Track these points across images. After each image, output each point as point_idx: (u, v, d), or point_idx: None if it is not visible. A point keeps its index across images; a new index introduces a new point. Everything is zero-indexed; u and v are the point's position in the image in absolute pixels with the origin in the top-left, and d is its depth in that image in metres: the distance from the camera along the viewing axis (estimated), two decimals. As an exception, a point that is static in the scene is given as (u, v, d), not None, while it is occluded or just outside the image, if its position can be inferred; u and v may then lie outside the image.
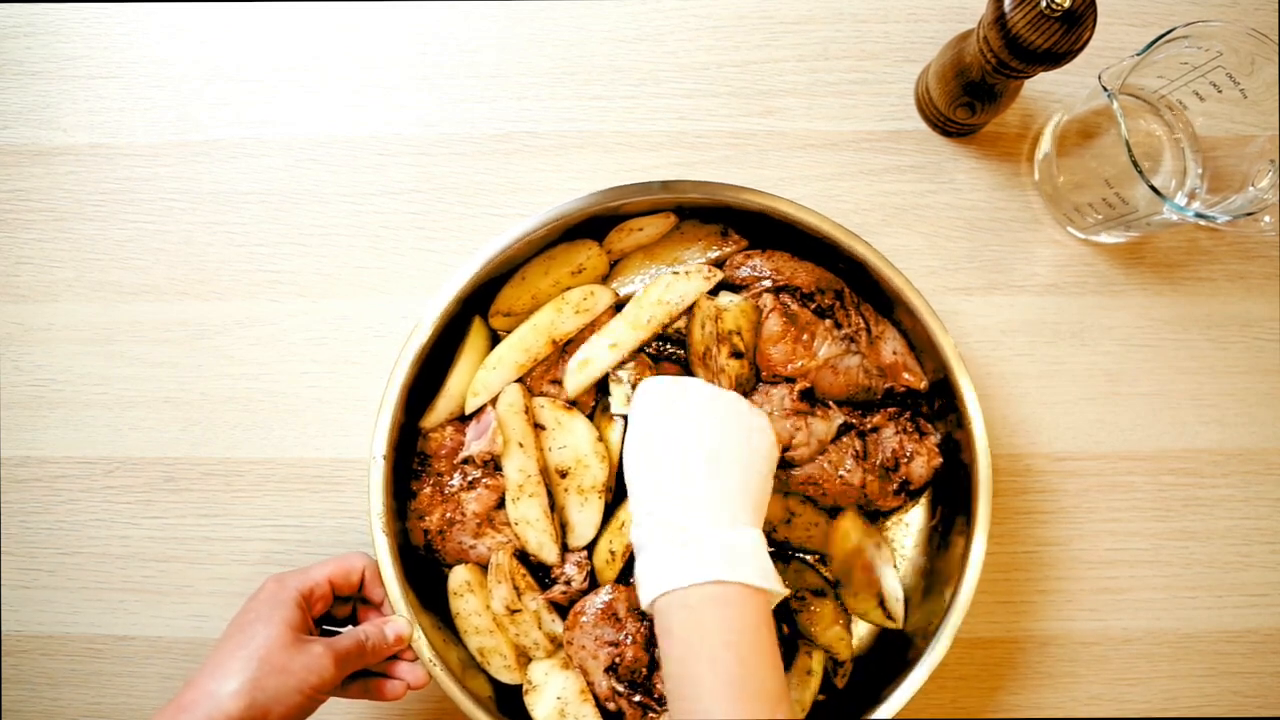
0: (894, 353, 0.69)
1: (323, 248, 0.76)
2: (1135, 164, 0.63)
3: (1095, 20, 0.61)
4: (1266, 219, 0.65)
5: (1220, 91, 0.68)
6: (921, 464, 0.68)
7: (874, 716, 0.62)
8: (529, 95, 0.77)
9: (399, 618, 0.62)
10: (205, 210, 0.76)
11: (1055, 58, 0.61)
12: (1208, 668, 0.73)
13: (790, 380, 0.68)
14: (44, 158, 0.77)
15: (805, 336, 0.68)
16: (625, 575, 0.68)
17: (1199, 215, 0.64)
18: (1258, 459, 0.75)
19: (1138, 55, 0.64)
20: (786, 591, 0.56)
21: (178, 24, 0.78)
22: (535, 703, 0.65)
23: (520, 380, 0.68)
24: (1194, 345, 0.76)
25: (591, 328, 0.69)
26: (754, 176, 0.76)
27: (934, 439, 0.69)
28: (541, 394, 0.68)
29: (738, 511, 0.56)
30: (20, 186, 0.77)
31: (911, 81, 0.77)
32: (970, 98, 0.70)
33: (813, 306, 0.69)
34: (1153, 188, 0.63)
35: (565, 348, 0.69)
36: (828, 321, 0.69)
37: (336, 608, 0.63)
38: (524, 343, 0.67)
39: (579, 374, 0.67)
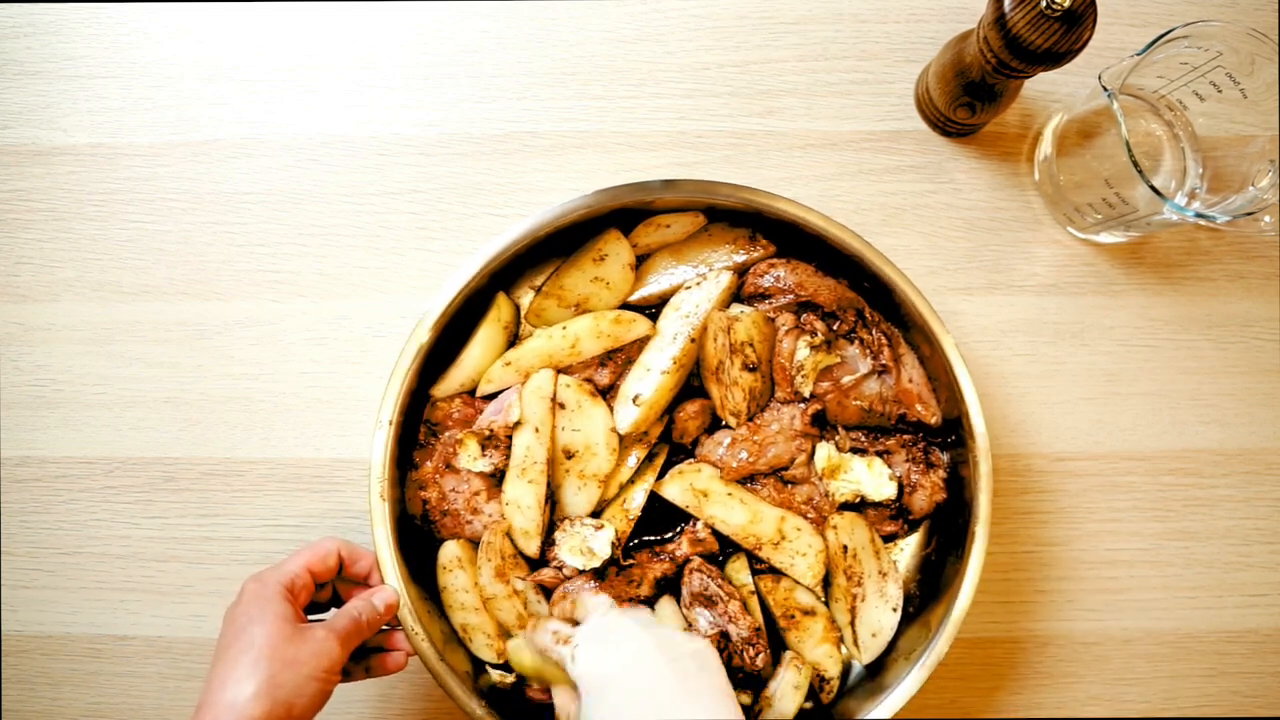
0: (910, 381, 0.69)
1: (323, 248, 0.76)
2: (1135, 164, 0.63)
3: (1095, 20, 0.61)
4: (1266, 219, 0.65)
5: (1220, 91, 0.68)
6: (924, 497, 0.68)
7: (873, 716, 0.63)
8: (529, 95, 0.77)
9: (385, 587, 0.62)
10: (205, 210, 0.76)
11: (1055, 58, 0.61)
12: (1208, 668, 0.73)
13: (804, 400, 0.68)
14: (44, 158, 0.77)
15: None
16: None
17: (1199, 215, 0.64)
18: (1258, 459, 0.75)
19: (1138, 55, 0.64)
20: None
21: (178, 24, 0.78)
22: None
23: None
24: (1194, 345, 0.76)
25: (622, 353, 0.69)
26: (754, 176, 0.76)
27: (941, 473, 0.68)
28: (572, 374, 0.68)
29: None
30: (20, 186, 0.77)
31: (911, 81, 0.77)
32: (970, 98, 0.70)
33: (834, 325, 0.69)
34: (1153, 188, 0.63)
35: (611, 356, 0.69)
36: (853, 347, 0.68)
37: (316, 594, 0.63)
38: (546, 349, 0.67)
39: (634, 408, 0.67)
